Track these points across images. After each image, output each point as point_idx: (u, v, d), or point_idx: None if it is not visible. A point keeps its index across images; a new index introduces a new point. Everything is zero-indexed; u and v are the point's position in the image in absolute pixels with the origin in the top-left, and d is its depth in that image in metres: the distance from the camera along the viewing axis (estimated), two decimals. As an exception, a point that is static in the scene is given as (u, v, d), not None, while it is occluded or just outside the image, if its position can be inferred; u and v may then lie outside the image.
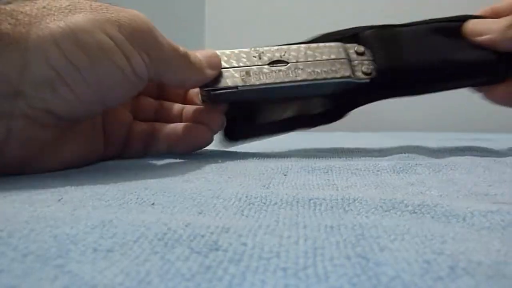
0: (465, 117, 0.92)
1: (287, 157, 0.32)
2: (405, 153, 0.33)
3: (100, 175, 0.26)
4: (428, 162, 0.29)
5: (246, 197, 0.19)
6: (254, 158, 0.32)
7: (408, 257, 0.12)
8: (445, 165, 0.28)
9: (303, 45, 0.34)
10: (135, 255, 0.12)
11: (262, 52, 0.34)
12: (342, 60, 0.34)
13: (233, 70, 0.33)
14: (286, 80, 0.33)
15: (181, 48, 0.30)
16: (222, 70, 0.32)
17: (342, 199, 0.19)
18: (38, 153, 0.26)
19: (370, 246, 0.13)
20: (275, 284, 0.11)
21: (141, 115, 0.34)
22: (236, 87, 0.32)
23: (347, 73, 0.34)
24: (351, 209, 0.18)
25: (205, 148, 0.35)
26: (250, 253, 0.12)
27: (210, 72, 0.31)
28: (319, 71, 0.33)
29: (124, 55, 0.25)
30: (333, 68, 0.34)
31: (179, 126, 0.33)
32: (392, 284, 0.10)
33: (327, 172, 0.26)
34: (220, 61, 0.32)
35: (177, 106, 0.35)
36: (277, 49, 0.34)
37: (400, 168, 0.26)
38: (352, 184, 0.23)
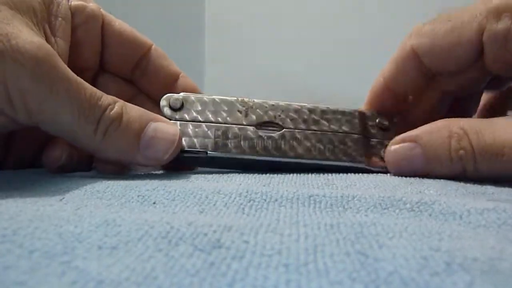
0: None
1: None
2: None
3: (99, 174, 0.26)
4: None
5: (247, 192, 0.19)
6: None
7: (406, 254, 0.12)
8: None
9: (307, 106, 0.26)
10: (140, 252, 0.12)
11: (251, 107, 0.26)
12: (355, 136, 0.26)
13: (207, 126, 0.25)
14: (275, 153, 0.25)
15: (107, 100, 0.23)
16: (193, 123, 0.25)
17: (341, 196, 0.19)
18: None
19: (369, 243, 0.13)
20: (277, 279, 0.11)
21: None
22: (205, 152, 0.25)
23: (359, 158, 0.26)
24: (350, 207, 0.18)
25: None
26: (252, 250, 0.13)
27: (147, 154, 0.23)
28: (321, 147, 0.25)
29: None
30: (341, 147, 0.26)
31: None
32: (390, 279, 0.11)
33: (326, 172, 0.26)
34: (177, 151, 0.24)
35: None
36: (272, 105, 0.26)
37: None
38: (351, 184, 0.23)
